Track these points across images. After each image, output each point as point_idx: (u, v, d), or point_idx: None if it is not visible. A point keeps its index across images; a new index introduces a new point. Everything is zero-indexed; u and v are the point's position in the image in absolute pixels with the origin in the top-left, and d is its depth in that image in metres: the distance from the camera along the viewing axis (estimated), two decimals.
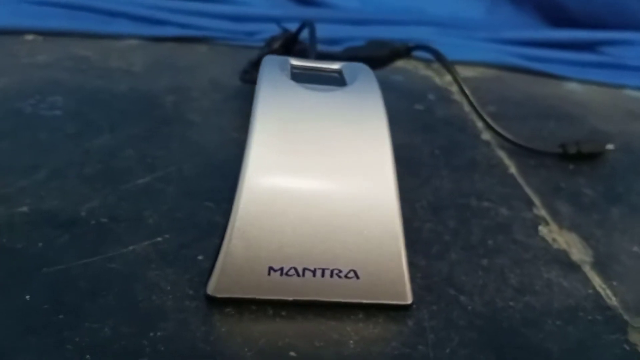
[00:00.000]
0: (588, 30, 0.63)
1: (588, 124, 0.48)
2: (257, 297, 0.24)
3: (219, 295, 0.24)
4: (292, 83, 0.26)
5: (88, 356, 0.22)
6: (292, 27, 0.62)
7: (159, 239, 0.28)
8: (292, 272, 0.24)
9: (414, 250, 0.30)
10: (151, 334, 0.23)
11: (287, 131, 0.25)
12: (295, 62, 0.30)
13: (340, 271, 0.24)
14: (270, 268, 0.24)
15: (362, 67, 0.30)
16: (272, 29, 0.49)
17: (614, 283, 0.29)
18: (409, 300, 0.25)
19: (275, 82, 0.26)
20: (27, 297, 0.24)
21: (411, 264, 0.28)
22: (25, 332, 0.22)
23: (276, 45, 0.42)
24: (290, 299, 0.24)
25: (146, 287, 0.25)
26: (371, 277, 0.24)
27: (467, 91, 0.42)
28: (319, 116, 0.25)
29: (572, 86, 0.57)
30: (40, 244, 0.27)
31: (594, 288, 0.29)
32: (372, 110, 0.26)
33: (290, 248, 0.24)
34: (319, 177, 0.24)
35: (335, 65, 0.30)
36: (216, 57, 0.54)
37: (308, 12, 0.64)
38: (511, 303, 0.27)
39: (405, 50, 0.46)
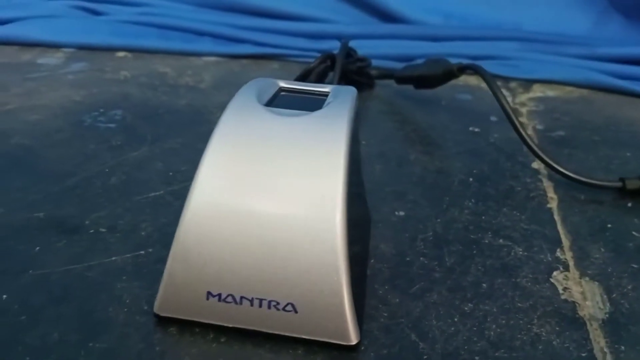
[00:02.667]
0: None
1: None
2: (197, 320, 0.24)
3: (162, 314, 0.25)
4: (259, 107, 0.26)
5: (27, 359, 0.23)
6: (370, 43, 0.62)
7: (142, 252, 0.30)
8: (230, 299, 0.24)
9: (393, 285, 0.28)
10: (91, 344, 0.24)
11: (240, 156, 0.24)
12: (285, 84, 0.30)
13: (277, 303, 0.23)
14: (209, 293, 0.24)
15: (348, 91, 0.28)
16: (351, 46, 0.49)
17: (622, 347, 0.25)
18: (353, 341, 0.24)
19: (242, 105, 0.26)
20: (5, 296, 0.26)
21: (382, 301, 0.27)
22: None
23: (313, 64, 0.42)
24: (229, 325, 0.24)
25: (109, 298, 0.26)
26: (310, 313, 0.23)
27: (510, 113, 0.38)
28: (276, 142, 0.25)
29: None
30: (37, 248, 0.30)
31: (590, 351, 0.24)
32: (333, 137, 0.25)
33: (228, 274, 0.24)
34: (263, 204, 0.23)
35: (325, 89, 0.29)
36: (284, 74, 0.55)
37: (386, 28, 0.62)
38: (477, 358, 0.24)
39: (458, 70, 0.43)
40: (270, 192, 0.24)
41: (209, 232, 0.24)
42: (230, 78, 0.54)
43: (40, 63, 0.55)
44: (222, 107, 0.46)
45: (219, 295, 0.24)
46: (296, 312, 0.23)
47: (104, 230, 0.31)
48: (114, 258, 0.29)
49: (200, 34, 0.61)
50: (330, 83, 0.45)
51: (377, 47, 0.59)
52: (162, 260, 0.28)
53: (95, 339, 0.24)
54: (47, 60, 0.56)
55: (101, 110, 0.45)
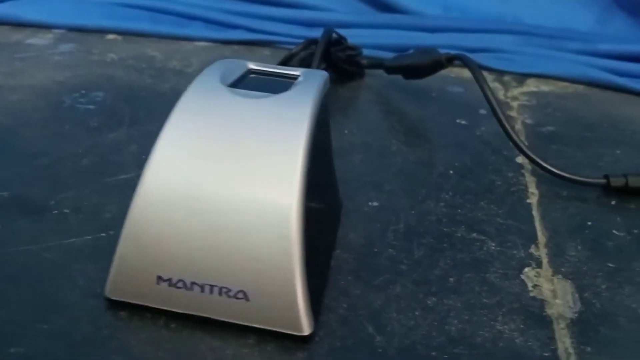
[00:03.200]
0: None
1: None
2: (148, 304, 0.24)
3: (113, 298, 0.24)
4: (222, 88, 0.25)
5: None
6: (366, 32, 0.61)
7: (103, 234, 0.29)
8: (181, 284, 0.23)
9: (357, 277, 0.27)
10: (38, 326, 0.23)
11: (196, 137, 0.24)
12: (255, 66, 0.29)
13: (229, 290, 0.23)
14: (159, 277, 0.23)
15: (319, 75, 0.27)
16: (345, 35, 0.48)
17: (588, 349, 0.24)
18: (305, 332, 0.23)
19: (204, 86, 0.26)
20: None
21: (343, 292, 0.26)
22: None
23: (294, 50, 0.41)
24: (179, 311, 0.23)
25: (63, 279, 0.26)
26: (262, 301, 0.23)
27: (497, 108, 0.37)
28: (234, 123, 0.24)
29: None
30: None
31: (554, 351, 0.24)
32: (295, 120, 0.24)
33: (179, 259, 0.23)
34: (217, 188, 0.23)
35: (295, 72, 0.28)
36: (274, 60, 0.54)
37: (383, 18, 0.61)
38: (433, 353, 0.23)
39: (446, 60, 0.42)
40: (225, 175, 0.23)
41: (160, 214, 0.23)
42: None
43: (29, 43, 0.54)
44: None
45: (170, 279, 0.23)
46: (248, 300, 0.23)
47: (67, 211, 0.31)
48: (73, 240, 0.28)
49: (192, 18, 0.60)
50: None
51: (373, 37, 0.58)
52: None
53: (44, 320, 0.24)
54: (36, 40, 0.55)
55: (82, 91, 0.45)
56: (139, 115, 0.41)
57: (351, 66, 0.49)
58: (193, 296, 0.23)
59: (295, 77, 0.28)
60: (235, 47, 0.57)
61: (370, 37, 0.58)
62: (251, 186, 0.23)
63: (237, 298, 0.23)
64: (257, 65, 0.29)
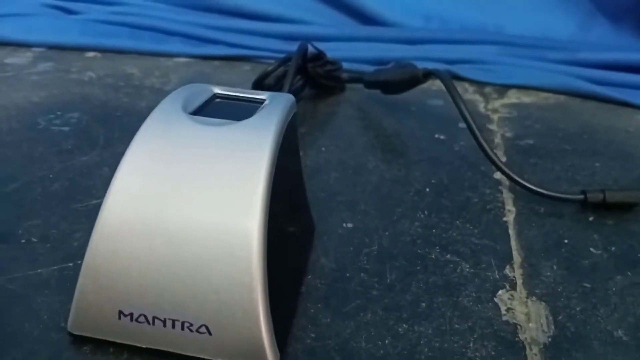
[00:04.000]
0: None
1: None
2: (111, 339, 0.23)
3: (75, 332, 0.24)
4: (183, 115, 0.25)
5: None
6: (345, 45, 0.61)
7: (70, 264, 0.28)
8: (142, 319, 0.22)
9: (327, 304, 0.26)
10: None
11: (156, 167, 0.23)
12: (221, 91, 0.28)
13: (191, 324, 0.22)
14: (121, 312, 0.23)
15: (284, 99, 0.27)
16: (326, 49, 0.48)
17: None
18: None
19: (165, 113, 0.25)
20: None
21: (311, 321, 0.25)
22: None
23: (271, 67, 0.40)
24: (144, 346, 0.23)
25: (27, 312, 0.25)
26: (225, 335, 0.22)
27: (473, 126, 0.37)
28: (195, 152, 0.23)
29: None
30: None
31: None
32: (256, 146, 0.23)
33: (140, 293, 0.22)
34: (175, 218, 0.22)
35: (262, 96, 0.28)
36: (254, 76, 0.54)
37: (362, 30, 0.61)
38: None
39: (423, 76, 0.42)
40: (184, 206, 0.22)
41: (119, 247, 0.22)
42: (198, 80, 0.52)
43: (8, 63, 0.54)
44: None
45: (131, 314, 0.22)
46: (210, 334, 0.22)
47: (35, 240, 0.30)
48: (39, 270, 0.28)
49: (172, 34, 0.60)
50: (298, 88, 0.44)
51: (354, 50, 0.57)
52: None
53: (4, 353, 0.23)
54: (15, 60, 0.55)
55: (58, 112, 0.44)
56: (113, 136, 0.41)
57: (330, 81, 0.49)
58: (155, 331, 0.22)
59: (261, 102, 0.27)
60: (216, 62, 0.57)
61: (351, 50, 0.58)
62: (211, 214, 0.22)
63: (200, 332, 0.22)
64: (223, 90, 0.28)
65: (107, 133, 0.41)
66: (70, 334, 0.24)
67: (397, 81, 0.43)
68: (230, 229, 0.22)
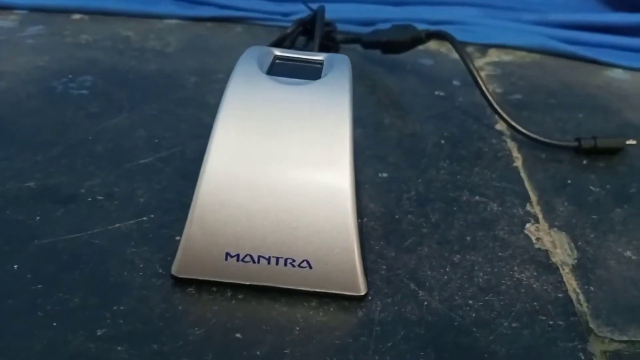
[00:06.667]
0: None
1: (622, 116, 0.46)
2: (216, 279, 0.26)
3: (181, 276, 0.26)
4: (264, 76, 0.27)
5: (55, 323, 0.24)
6: (333, 7, 0.63)
7: (144, 218, 0.30)
8: (248, 259, 0.25)
9: (387, 241, 0.30)
10: (114, 307, 0.25)
11: (250, 124, 0.26)
12: (279, 52, 0.31)
13: (293, 260, 0.25)
14: (227, 254, 0.25)
15: (342, 59, 0.30)
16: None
17: (591, 288, 0.28)
18: (362, 292, 0.26)
19: (247, 74, 0.27)
20: (15, 266, 0.27)
21: (379, 255, 0.29)
22: (4, 297, 0.25)
23: (289, 29, 0.42)
24: (247, 283, 0.26)
25: (121, 263, 0.27)
26: (324, 268, 0.25)
27: (479, 79, 0.41)
28: (283, 109, 0.26)
29: (617, 73, 0.53)
30: (37, 218, 0.30)
31: (565, 292, 0.28)
32: (336, 105, 0.26)
33: (246, 236, 0.25)
34: (276, 169, 0.25)
35: (318, 57, 0.31)
36: (249, 38, 0.56)
37: None
38: (470, 302, 0.27)
39: (425, 37, 0.45)
40: (283, 158, 0.25)
41: (225, 198, 0.25)
42: (196, 42, 0.53)
43: None
44: (195, 73, 0.47)
45: (237, 255, 0.25)
46: (311, 267, 0.25)
47: (101, 198, 0.32)
48: (117, 225, 0.30)
49: None
50: (305, 49, 0.46)
51: (340, 11, 0.60)
52: (166, 225, 0.30)
53: (117, 302, 0.25)
54: (2, 23, 0.54)
55: (70, 76, 0.45)
56: (135, 99, 0.42)
57: (328, 42, 0.51)
58: (260, 268, 0.25)
59: (320, 62, 0.30)
60: (208, 24, 0.58)
61: (337, 11, 0.60)
62: (309, 167, 0.25)
63: (301, 267, 0.25)
64: (280, 52, 0.31)
65: (129, 96, 0.42)
66: (173, 278, 0.26)
67: (400, 42, 0.47)
68: (328, 179, 0.25)
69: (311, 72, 0.29)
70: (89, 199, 0.31)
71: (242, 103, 0.26)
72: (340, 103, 0.26)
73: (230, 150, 0.25)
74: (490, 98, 0.40)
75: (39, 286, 0.26)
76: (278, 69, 0.29)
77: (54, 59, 0.47)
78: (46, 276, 0.26)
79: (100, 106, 0.41)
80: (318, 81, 0.28)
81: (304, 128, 0.26)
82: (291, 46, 0.43)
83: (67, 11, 0.57)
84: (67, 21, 0.56)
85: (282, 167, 0.25)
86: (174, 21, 0.57)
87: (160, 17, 0.57)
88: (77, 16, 0.57)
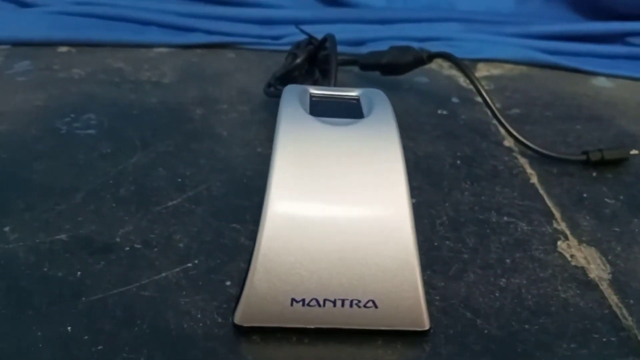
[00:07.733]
0: (619, 22, 0.61)
1: (616, 125, 0.48)
2: (282, 325, 0.26)
3: (245, 325, 0.26)
4: (310, 117, 0.27)
5: None
6: (320, 28, 0.63)
7: (189, 264, 0.30)
8: (314, 302, 0.25)
9: (434, 270, 0.31)
10: None
11: (305, 167, 0.26)
12: (314, 90, 0.31)
13: (359, 301, 0.25)
14: (293, 299, 0.25)
15: (378, 94, 0.30)
16: (299, 33, 0.50)
17: (631, 302, 0.30)
18: (427, 327, 0.26)
19: (293, 116, 0.28)
20: (69, 328, 0.26)
21: (430, 286, 0.29)
22: None
23: (299, 60, 0.43)
24: (313, 327, 0.26)
25: (177, 315, 0.27)
26: (389, 306, 0.26)
27: (488, 99, 0.42)
28: (335, 151, 0.26)
29: (601, 81, 0.56)
30: (79, 273, 0.29)
31: (610, 307, 0.29)
32: (388, 142, 0.27)
33: (311, 280, 0.25)
34: (337, 210, 0.25)
35: (353, 93, 0.31)
36: (243, 63, 0.55)
37: (334, 12, 0.64)
38: (526, 326, 0.28)
39: (427, 58, 0.46)
40: (341, 199, 0.25)
41: (288, 242, 0.25)
42: (191, 70, 0.53)
43: None
44: (199, 103, 0.46)
45: (303, 300, 0.25)
46: (376, 307, 0.26)
47: (139, 246, 0.31)
48: (164, 274, 0.29)
49: (146, 23, 0.59)
50: (313, 75, 0.46)
51: (326, 32, 0.60)
52: (213, 270, 0.30)
53: (185, 356, 0.25)
54: None
55: (72, 115, 0.43)
56: (146, 136, 0.41)
57: (326, 65, 0.52)
58: (325, 311, 0.25)
59: (356, 98, 0.31)
60: (199, 51, 0.57)
61: (324, 32, 0.60)
62: (368, 206, 0.25)
63: (367, 307, 0.26)
64: (314, 89, 0.31)
65: (139, 133, 0.42)
66: (234, 326, 0.26)
67: (401, 63, 0.47)
68: (388, 216, 0.25)
69: (352, 110, 0.29)
70: (127, 248, 0.31)
71: (295, 146, 0.26)
72: (391, 141, 0.27)
73: (289, 195, 0.25)
74: (502, 119, 0.41)
75: (99, 347, 0.25)
76: (319, 109, 0.29)
77: (51, 96, 0.46)
78: (105, 336, 0.26)
79: (111, 146, 0.40)
80: (364, 120, 0.28)
81: (359, 168, 0.26)
82: (300, 76, 0.43)
83: (52, 44, 0.55)
84: (54, 54, 0.54)
85: (342, 208, 0.25)
86: (163, 49, 0.57)
87: (149, 46, 0.57)
88: (63, 49, 0.55)
